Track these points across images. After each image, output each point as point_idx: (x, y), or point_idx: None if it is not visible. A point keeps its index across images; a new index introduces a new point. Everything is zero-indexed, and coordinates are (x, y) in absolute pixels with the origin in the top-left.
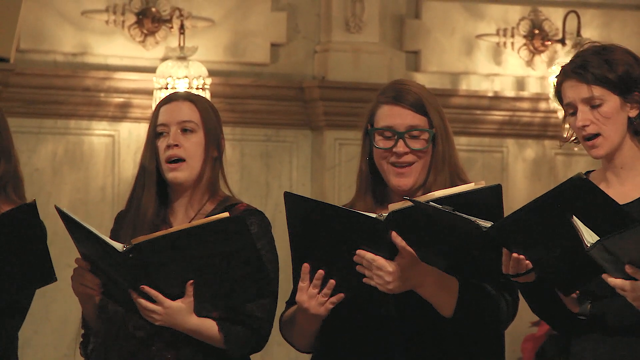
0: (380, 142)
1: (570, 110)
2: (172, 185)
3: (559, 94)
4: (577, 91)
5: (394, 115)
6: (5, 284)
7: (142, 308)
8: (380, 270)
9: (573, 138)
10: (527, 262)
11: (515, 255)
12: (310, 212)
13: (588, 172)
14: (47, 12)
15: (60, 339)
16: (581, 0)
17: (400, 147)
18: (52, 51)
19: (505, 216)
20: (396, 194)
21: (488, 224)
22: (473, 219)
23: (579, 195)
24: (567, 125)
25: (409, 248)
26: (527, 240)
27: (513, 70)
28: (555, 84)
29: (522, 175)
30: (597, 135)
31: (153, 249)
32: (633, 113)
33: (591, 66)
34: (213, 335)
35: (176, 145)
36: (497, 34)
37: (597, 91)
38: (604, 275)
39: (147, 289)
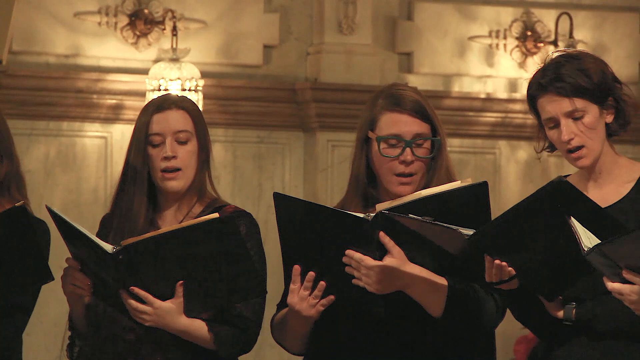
0: (386, 150)
1: (551, 124)
2: (165, 192)
3: (534, 107)
4: (558, 105)
5: (399, 123)
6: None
7: (132, 309)
8: (368, 270)
9: (546, 147)
10: (510, 269)
11: (497, 262)
12: (300, 213)
13: (565, 176)
14: (40, 13)
15: (53, 341)
16: (573, 2)
17: (408, 155)
18: (45, 53)
19: (486, 223)
20: (387, 197)
21: (470, 232)
22: (454, 227)
23: (560, 199)
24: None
25: (397, 248)
26: (509, 247)
27: (505, 72)
28: (529, 98)
29: (515, 176)
30: (581, 147)
31: (143, 251)
32: (609, 119)
33: (568, 77)
34: (202, 335)
35: (174, 157)
36: (490, 35)
37: (579, 103)
38: (604, 279)
39: (136, 290)
